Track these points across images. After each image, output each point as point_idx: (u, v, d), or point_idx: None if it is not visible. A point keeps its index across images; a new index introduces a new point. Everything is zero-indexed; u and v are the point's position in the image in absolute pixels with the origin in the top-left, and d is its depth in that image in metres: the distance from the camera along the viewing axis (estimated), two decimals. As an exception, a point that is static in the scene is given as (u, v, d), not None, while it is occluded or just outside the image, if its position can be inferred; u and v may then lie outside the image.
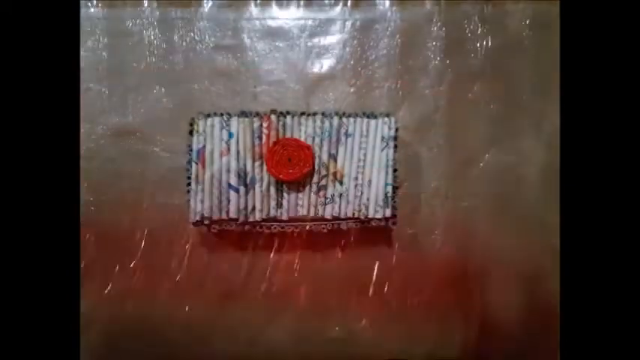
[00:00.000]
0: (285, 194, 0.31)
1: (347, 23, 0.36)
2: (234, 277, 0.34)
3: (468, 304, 0.34)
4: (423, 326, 0.34)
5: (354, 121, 0.32)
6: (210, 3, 0.36)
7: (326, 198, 0.31)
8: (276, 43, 0.36)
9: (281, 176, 0.30)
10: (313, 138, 0.31)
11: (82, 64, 0.33)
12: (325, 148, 0.31)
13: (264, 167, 0.31)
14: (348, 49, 0.36)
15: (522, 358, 0.16)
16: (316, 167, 0.31)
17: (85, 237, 0.32)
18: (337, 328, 0.34)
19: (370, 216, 0.31)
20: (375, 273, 0.34)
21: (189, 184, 0.31)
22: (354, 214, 0.31)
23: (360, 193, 0.31)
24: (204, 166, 0.31)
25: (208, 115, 0.31)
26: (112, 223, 0.34)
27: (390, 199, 0.31)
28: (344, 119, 0.32)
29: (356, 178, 0.31)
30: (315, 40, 0.36)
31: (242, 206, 0.31)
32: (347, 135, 0.31)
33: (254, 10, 0.36)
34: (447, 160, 0.35)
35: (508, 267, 0.33)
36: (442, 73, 0.36)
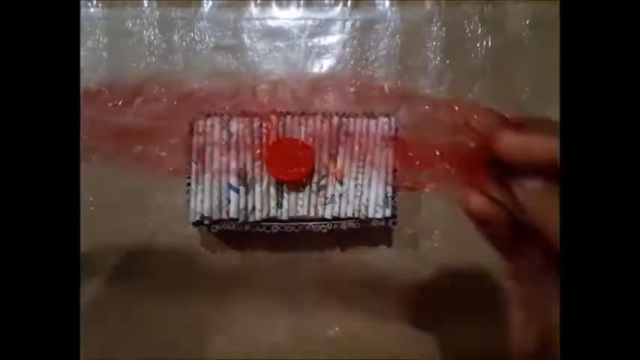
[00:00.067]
0: (285, 194, 0.31)
1: (347, 23, 0.36)
2: (234, 277, 0.34)
3: (468, 303, 0.34)
4: (423, 326, 0.34)
5: (354, 121, 0.32)
6: (210, 3, 0.36)
7: (326, 198, 0.31)
8: (276, 43, 0.36)
9: (281, 176, 0.30)
10: (313, 138, 0.31)
11: (81, 64, 0.33)
12: (325, 148, 0.31)
13: (264, 167, 0.31)
14: (348, 49, 0.36)
15: (522, 357, 0.17)
16: (316, 167, 0.31)
17: (84, 237, 0.32)
18: (337, 328, 0.34)
19: (370, 216, 0.31)
20: (375, 273, 0.34)
21: (189, 184, 0.31)
22: (354, 214, 0.31)
23: (360, 193, 0.31)
24: (204, 166, 0.31)
25: (208, 115, 0.31)
26: (111, 223, 0.34)
27: (390, 199, 0.31)
28: (344, 119, 0.32)
29: (356, 178, 0.31)
30: (315, 40, 0.36)
31: (242, 206, 0.31)
32: (347, 135, 0.31)
33: (254, 10, 0.36)
34: (447, 160, 0.35)
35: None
36: (442, 73, 0.36)
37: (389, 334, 0.34)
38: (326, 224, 0.32)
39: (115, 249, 0.34)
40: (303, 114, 0.31)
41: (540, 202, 0.16)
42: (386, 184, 0.31)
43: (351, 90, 0.35)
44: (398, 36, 0.36)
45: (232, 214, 0.31)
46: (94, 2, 0.35)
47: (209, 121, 0.31)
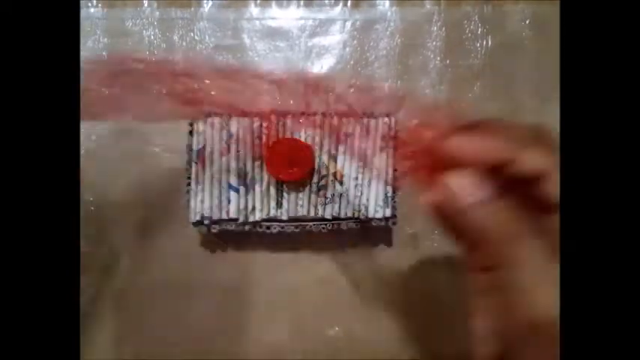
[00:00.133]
0: (285, 194, 0.31)
1: (347, 23, 0.36)
2: (234, 277, 0.34)
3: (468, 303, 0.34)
4: (423, 326, 0.34)
5: (354, 121, 0.32)
6: (210, 3, 0.36)
7: (326, 198, 0.31)
8: (276, 43, 0.36)
9: (281, 176, 0.30)
10: (313, 138, 0.31)
11: (81, 64, 0.33)
12: (325, 148, 0.31)
13: (264, 167, 0.31)
14: (348, 49, 0.36)
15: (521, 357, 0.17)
16: (316, 167, 0.31)
17: (84, 237, 0.32)
18: (337, 328, 0.34)
19: (370, 216, 0.31)
20: (374, 273, 0.34)
21: (189, 184, 0.31)
22: (354, 214, 0.31)
23: (360, 193, 0.31)
24: (204, 166, 0.31)
25: (208, 115, 0.31)
26: (111, 223, 0.34)
27: (390, 199, 0.31)
28: (344, 119, 0.32)
29: (356, 178, 0.31)
30: (315, 40, 0.36)
31: (242, 206, 0.31)
32: (347, 135, 0.31)
33: (254, 10, 0.36)
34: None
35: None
36: (442, 73, 0.36)
37: (389, 334, 0.34)
38: (326, 224, 0.32)
39: (115, 249, 0.34)
40: (303, 114, 0.32)
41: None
42: (386, 184, 0.31)
43: (351, 90, 0.35)
44: (398, 36, 0.36)
45: (232, 214, 0.31)
46: (94, 2, 0.35)
47: (209, 121, 0.31)
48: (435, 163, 0.18)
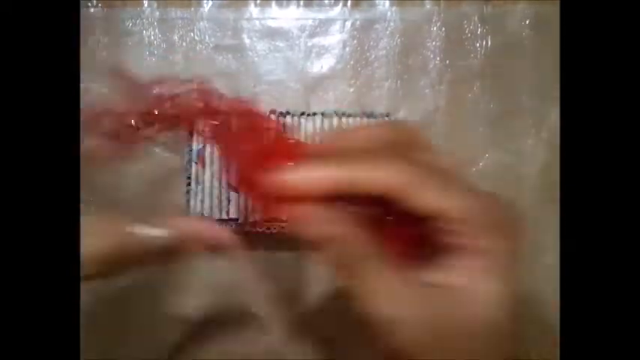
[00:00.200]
0: (285, 194, 0.31)
1: (347, 23, 0.36)
2: (234, 277, 0.34)
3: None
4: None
5: (354, 121, 0.32)
6: (210, 3, 0.36)
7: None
8: (276, 43, 0.36)
9: (281, 176, 0.30)
10: (313, 138, 0.31)
11: (81, 64, 0.33)
12: (325, 148, 0.31)
13: (264, 167, 0.31)
14: (348, 49, 0.36)
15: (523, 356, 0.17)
16: (316, 167, 0.31)
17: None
18: (337, 328, 0.34)
19: (370, 216, 0.31)
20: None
21: (189, 184, 0.31)
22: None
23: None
24: (204, 166, 0.31)
25: (208, 115, 0.31)
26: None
27: (390, 199, 0.31)
28: (344, 119, 0.32)
29: (356, 178, 0.31)
30: (315, 40, 0.36)
31: (242, 206, 0.31)
32: (347, 135, 0.32)
33: (254, 10, 0.36)
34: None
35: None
36: (442, 73, 0.36)
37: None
38: (326, 224, 0.31)
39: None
40: (303, 114, 0.32)
41: None
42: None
43: (351, 90, 0.35)
44: (398, 36, 0.36)
45: (232, 214, 0.31)
46: (94, 2, 0.35)
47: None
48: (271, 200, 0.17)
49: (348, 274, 0.16)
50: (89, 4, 0.35)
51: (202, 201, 0.31)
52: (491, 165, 0.35)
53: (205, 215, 0.31)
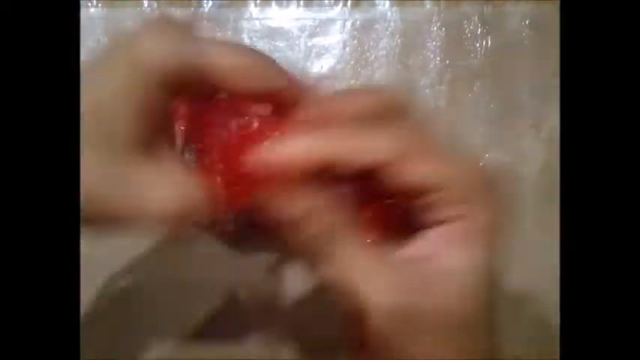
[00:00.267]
0: (285, 194, 0.31)
1: (347, 23, 0.36)
2: (234, 278, 0.34)
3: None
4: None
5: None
6: (210, 3, 0.36)
7: (326, 198, 0.31)
8: (276, 43, 0.36)
9: (281, 176, 0.30)
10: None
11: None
12: (325, 148, 0.31)
13: (264, 167, 0.31)
14: (348, 49, 0.36)
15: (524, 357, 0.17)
16: (316, 167, 0.31)
17: (85, 236, 0.32)
18: (337, 328, 0.34)
19: (370, 216, 0.31)
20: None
21: (189, 184, 0.31)
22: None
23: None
24: (204, 166, 0.31)
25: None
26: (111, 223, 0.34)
27: (390, 199, 0.31)
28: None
29: (356, 178, 0.31)
30: (315, 40, 0.36)
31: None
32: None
33: (254, 10, 0.36)
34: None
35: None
36: (442, 73, 0.36)
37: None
38: (326, 224, 0.31)
39: (115, 249, 0.34)
40: (303, 114, 0.31)
41: None
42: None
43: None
44: (398, 36, 0.36)
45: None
46: (94, 2, 0.35)
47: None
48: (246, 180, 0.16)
49: (324, 253, 0.16)
50: (89, 4, 0.35)
51: (202, 201, 0.30)
52: (491, 165, 0.35)
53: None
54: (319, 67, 0.35)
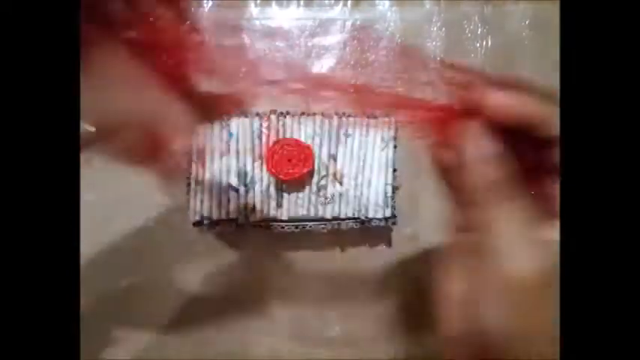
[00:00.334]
0: (285, 194, 0.31)
1: (347, 23, 0.36)
2: (234, 277, 0.34)
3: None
4: (422, 325, 0.34)
5: (354, 121, 0.32)
6: (210, 3, 0.36)
7: (326, 198, 0.31)
8: (276, 43, 0.36)
9: (281, 176, 0.30)
10: (313, 138, 0.31)
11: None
12: (325, 148, 0.31)
13: (264, 167, 0.31)
14: (348, 49, 0.36)
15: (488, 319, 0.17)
16: (316, 167, 0.31)
17: (84, 236, 0.32)
18: (337, 328, 0.34)
19: (370, 216, 0.31)
20: (374, 273, 0.34)
21: (189, 184, 0.31)
22: (354, 214, 0.31)
23: (360, 193, 0.31)
24: (204, 166, 0.31)
25: (208, 115, 0.31)
26: (111, 223, 0.34)
27: (389, 199, 0.31)
28: (344, 119, 0.32)
29: (356, 178, 0.31)
30: (315, 40, 0.36)
31: (242, 206, 0.31)
32: (347, 135, 0.31)
33: (254, 10, 0.36)
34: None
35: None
36: (442, 72, 0.35)
37: (389, 335, 0.34)
38: (326, 224, 0.32)
39: (115, 249, 0.34)
40: (303, 114, 0.32)
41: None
42: (386, 184, 0.31)
43: (351, 90, 0.35)
44: (398, 36, 0.36)
45: (232, 214, 0.31)
46: (94, 2, 0.35)
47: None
48: (452, 114, 0.19)
49: (476, 219, 0.16)
50: (89, 4, 0.35)
51: (202, 201, 0.31)
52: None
53: (205, 215, 0.31)
54: (319, 67, 0.35)
